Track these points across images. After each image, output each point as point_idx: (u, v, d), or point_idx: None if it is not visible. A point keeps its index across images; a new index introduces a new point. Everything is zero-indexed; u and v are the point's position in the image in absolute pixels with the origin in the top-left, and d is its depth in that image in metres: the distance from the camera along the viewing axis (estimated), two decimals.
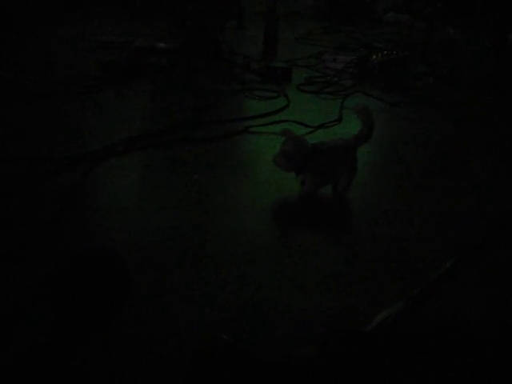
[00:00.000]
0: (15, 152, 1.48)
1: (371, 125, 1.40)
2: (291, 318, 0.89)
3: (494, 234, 1.21)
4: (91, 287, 0.86)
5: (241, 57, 2.66)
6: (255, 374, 0.72)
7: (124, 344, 0.81)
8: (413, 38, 3.54)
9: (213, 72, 2.47)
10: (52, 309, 0.84)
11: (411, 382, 0.77)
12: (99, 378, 0.76)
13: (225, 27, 3.41)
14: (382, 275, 1.04)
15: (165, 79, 2.36)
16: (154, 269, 1.00)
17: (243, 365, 0.72)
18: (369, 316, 0.89)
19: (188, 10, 2.95)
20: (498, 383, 0.80)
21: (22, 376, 0.76)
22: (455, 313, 0.94)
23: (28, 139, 1.60)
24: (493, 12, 3.47)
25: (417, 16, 4.17)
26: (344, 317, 0.91)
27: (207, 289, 0.95)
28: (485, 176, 1.57)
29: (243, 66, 2.50)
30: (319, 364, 0.75)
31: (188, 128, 1.76)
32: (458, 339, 0.86)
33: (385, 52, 2.70)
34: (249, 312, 0.90)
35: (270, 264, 1.05)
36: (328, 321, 0.89)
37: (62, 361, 0.79)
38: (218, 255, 1.06)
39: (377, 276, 1.03)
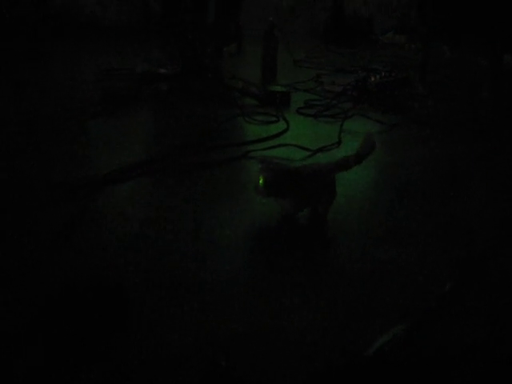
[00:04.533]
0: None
1: (361, 158, 1.41)
2: (288, 346, 0.90)
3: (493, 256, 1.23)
4: (88, 318, 0.87)
5: (240, 81, 2.70)
6: None
7: (124, 370, 0.82)
8: (410, 58, 3.58)
9: (212, 97, 2.50)
10: (47, 338, 0.86)
11: None
12: None
13: (224, 51, 3.46)
14: (378, 301, 1.04)
15: (165, 105, 2.40)
16: (148, 295, 1.01)
17: None
18: (368, 340, 0.89)
19: (187, 35, 2.99)
20: None
21: None
22: (456, 335, 0.95)
23: (28, 164, 1.62)
24: (488, 32, 3.51)
25: (414, 37, 4.23)
26: (343, 343, 0.92)
27: (203, 315, 0.96)
28: (485, 196, 1.58)
29: (242, 91, 2.53)
30: None
31: (188, 153, 1.78)
32: (460, 362, 0.87)
33: (383, 74, 2.74)
34: (247, 339, 0.91)
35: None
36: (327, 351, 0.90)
37: None
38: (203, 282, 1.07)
39: (372, 301, 1.04)
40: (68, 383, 0.80)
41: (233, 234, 1.28)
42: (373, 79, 2.65)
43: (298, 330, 0.94)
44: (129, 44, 3.79)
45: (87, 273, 1.08)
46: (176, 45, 3.11)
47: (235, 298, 1.02)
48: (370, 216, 1.42)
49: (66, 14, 4.37)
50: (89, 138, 1.95)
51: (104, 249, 1.18)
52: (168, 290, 1.04)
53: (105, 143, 1.89)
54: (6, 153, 1.73)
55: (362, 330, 0.95)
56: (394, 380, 0.83)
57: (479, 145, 2.04)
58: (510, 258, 1.23)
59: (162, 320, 0.95)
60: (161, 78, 2.74)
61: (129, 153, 1.78)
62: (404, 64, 3.33)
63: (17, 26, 4.00)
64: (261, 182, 1.30)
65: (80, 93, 2.50)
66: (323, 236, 1.33)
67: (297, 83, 2.77)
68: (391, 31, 4.50)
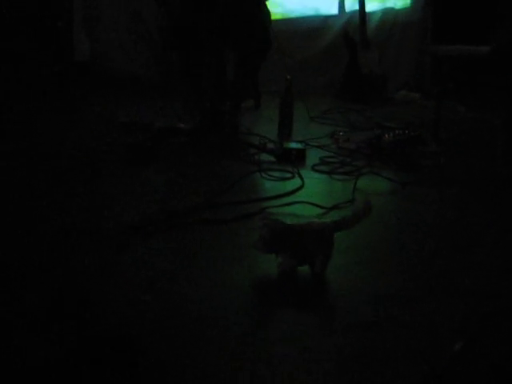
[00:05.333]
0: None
1: (357, 220, 1.46)
2: None
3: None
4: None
5: (257, 137, 2.78)
6: None
7: None
8: (424, 116, 3.64)
9: (230, 152, 2.57)
10: None
11: None
12: None
13: (242, 107, 3.56)
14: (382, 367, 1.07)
15: (182, 159, 2.47)
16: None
17: None
18: None
19: (206, 92, 3.10)
20: None
21: None
22: None
23: (48, 212, 1.68)
24: (501, 91, 3.58)
25: (428, 95, 4.31)
26: None
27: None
28: (497, 259, 1.60)
29: (259, 147, 2.60)
30: None
31: (204, 210, 1.83)
32: None
33: (396, 131, 2.80)
34: None
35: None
36: None
37: None
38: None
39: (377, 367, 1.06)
40: None
41: (232, 288, 1.32)
42: (386, 137, 2.71)
43: None
44: (149, 97, 3.91)
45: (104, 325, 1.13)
46: (195, 100, 3.21)
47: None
48: (377, 276, 1.45)
49: (92, 63, 4.52)
50: (106, 191, 2.02)
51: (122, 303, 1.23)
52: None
53: (121, 197, 1.96)
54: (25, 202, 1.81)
55: None
56: None
57: (493, 206, 2.06)
58: None
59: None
60: (179, 132, 2.83)
61: (144, 207, 1.84)
62: (417, 121, 3.39)
63: (42, 73, 4.13)
64: (259, 238, 1.37)
65: (99, 147, 2.58)
66: (319, 293, 1.36)
67: (312, 139, 2.84)
68: (405, 89, 4.60)
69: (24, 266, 1.42)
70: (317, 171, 2.36)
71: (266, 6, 3.61)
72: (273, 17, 3.63)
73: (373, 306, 1.28)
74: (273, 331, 1.16)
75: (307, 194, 2.04)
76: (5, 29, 3.93)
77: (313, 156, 2.55)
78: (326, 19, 4.84)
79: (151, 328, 1.14)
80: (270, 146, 2.65)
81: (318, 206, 1.89)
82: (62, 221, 1.69)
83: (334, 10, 4.87)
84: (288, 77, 3.04)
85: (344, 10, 4.86)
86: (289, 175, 2.25)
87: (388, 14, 4.87)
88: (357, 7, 4.52)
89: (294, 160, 2.42)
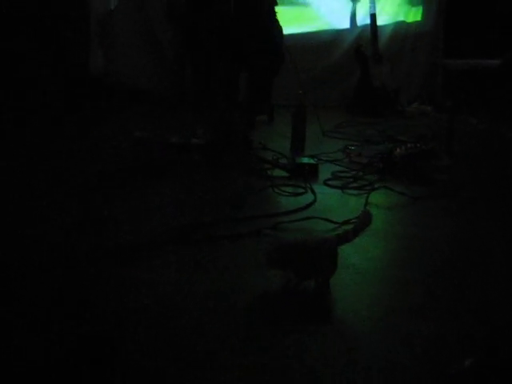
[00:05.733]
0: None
1: (358, 232, 1.49)
2: None
3: None
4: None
5: (270, 152, 2.81)
6: None
7: None
8: (436, 129, 3.66)
9: (243, 168, 2.61)
10: None
11: None
12: None
13: (255, 122, 3.60)
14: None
15: (196, 175, 2.50)
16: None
17: None
18: None
19: (219, 108, 3.14)
20: None
21: None
22: None
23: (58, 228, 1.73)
24: None
25: (440, 107, 4.33)
26: None
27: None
28: (506, 273, 1.62)
29: (272, 162, 2.64)
30: None
31: (217, 225, 1.86)
32: None
33: (408, 145, 2.81)
34: None
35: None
36: None
37: None
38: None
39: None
40: None
41: (236, 301, 1.35)
42: (398, 151, 2.72)
43: None
44: (163, 113, 3.96)
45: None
46: (208, 116, 3.26)
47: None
48: (389, 291, 1.47)
49: (106, 79, 4.58)
50: (118, 207, 2.05)
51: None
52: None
53: (135, 211, 2.00)
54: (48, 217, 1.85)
55: None
56: None
57: (505, 219, 2.07)
58: None
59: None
60: (193, 148, 2.86)
61: (157, 223, 1.87)
62: (430, 134, 3.40)
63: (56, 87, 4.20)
64: (264, 254, 1.41)
65: (114, 162, 2.63)
66: (323, 309, 1.38)
67: (325, 154, 2.86)
68: (417, 102, 4.62)
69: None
70: (329, 186, 2.38)
71: (277, 21, 3.66)
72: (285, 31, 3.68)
73: (381, 323, 1.30)
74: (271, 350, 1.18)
75: (320, 209, 2.06)
76: (22, 45, 4.02)
77: (325, 171, 2.57)
78: (338, 33, 4.87)
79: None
80: (283, 161, 2.68)
81: (329, 221, 1.91)
82: (64, 224, 1.73)
83: (346, 24, 4.90)
84: (300, 92, 3.08)
85: (355, 23, 4.89)
86: (301, 190, 2.28)
87: (399, 27, 4.90)
88: (368, 21, 4.55)
89: (306, 175, 2.45)
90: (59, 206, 1.99)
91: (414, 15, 4.97)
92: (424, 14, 4.93)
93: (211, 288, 1.42)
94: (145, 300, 1.34)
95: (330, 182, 2.42)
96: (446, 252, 1.74)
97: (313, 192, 2.22)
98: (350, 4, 4.83)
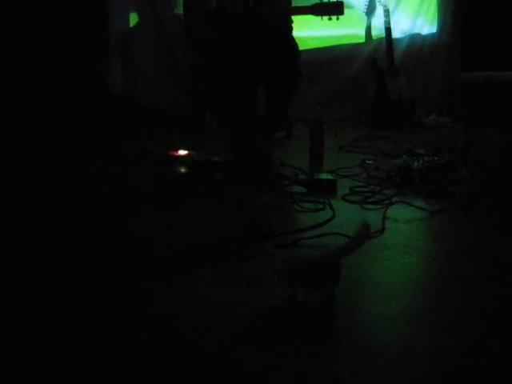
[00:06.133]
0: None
1: (358, 245, 1.55)
2: None
3: None
4: None
5: (289, 168, 2.86)
6: None
7: None
8: (454, 140, 3.67)
9: (263, 185, 2.65)
10: None
11: None
12: None
13: (274, 138, 3.65)
14: None
15: (218, 193, 2.55)
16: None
17: None
18: None
19: (239, 125, 3.20)
20: None
21: None
22: None
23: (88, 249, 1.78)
24: None
25: (457, 118, 4.34)
26: None
27: None
28: None
29: (291, 178, 2.68)
30: None
31: (238, 242, 1.90)
32: None
33: (426, 158, 2.85)
34: None
35: None
36: None
37: None
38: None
39: None
40: None
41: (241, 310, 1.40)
42: (416, 164, 2.76)
43: None
44: (184, 131, 4.02)
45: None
46: (228, 134, 3.32)
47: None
48: (404, 304, 1.50)
49: (126, 98, 4.67)
50: (141, 226, 2.10)
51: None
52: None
53: (158, 230, 2.04)
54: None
55: None
56: None
57: None
58: None
59: None
60: (214, 165, 2.92)
61: (181, 240, 1.92)
62: (447, 146, 3.42)
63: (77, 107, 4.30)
64: (274, 270, 1.47)
65: (136, 180, 2.69)
66: (328, 316, 1.42)
67: (343, 169, 2.90)
68: (434, 113, 4.64)
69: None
70: (347, 201, 2.42)
71: (293, 38, 3.72)
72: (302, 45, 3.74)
73: (400, 336, 1.33)
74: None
75: (338, 224, 2.10)
76: (45, 64, 4.14)
77: (343, 186, 2.61)
78: (354, 47, 4.92)
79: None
80: (302, 176, 2.73)
81: (348, 236, 1.94)
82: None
83: (361, 38, 4.95)
84: (317, 108, 3.12)
85: (371, 37, 4.94)
86: (320, 206, 2.32)
87: (415, 39, 4.93)
88: (383, 34, 4.60)
89: (325, 191, 2.49)
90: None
91: (430, 27, 5.01)
92: (439, 27, 4.97)
93: (218, 298, 1.46)
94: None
95: (348, 198, 2.46)
96: (464, 266, 1.76)
97: (331, 208, 2.26)
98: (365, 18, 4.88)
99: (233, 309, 1.43)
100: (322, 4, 3.23)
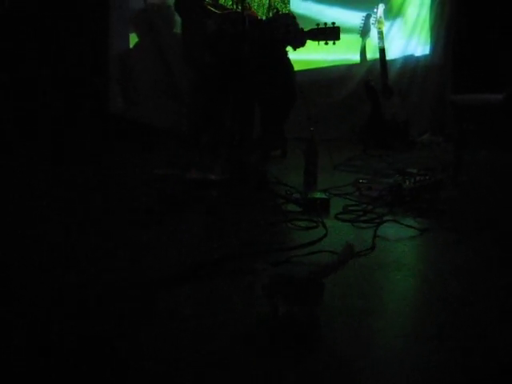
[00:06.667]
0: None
1: (342, 264, 1.64)
2: None
3: None
4: None
5: (284, 187, 2.92)
6: None
7: None
8: (446, 160, 3.75)
9: (257, 203, 2.72)
10: None
11: None
12: None
13: (269, 157, 3.73)
14: None
15: (213, 210, 2.61)
16: None
17: None
18: None
19: (234, 145, 3.28)
20: None
21: None
22: None
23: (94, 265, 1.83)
24: None
25: (450, 138, 4.43)
26: None
27: None
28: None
29: (285, 197, 2.75)
30: None
31: (230, 260, 1.95)
32: None
33: (417, 178, 2.92)
34: None
35: None
36: None
37: None
38: None
39: None
40: None
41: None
42: (407, 183, 2.83)
43: None
44: (180, 149, 4.10)
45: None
46: (223, 152, 3.39)
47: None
48: (391, 323, 1.56)
49: (125, 116, 4.75)
50: (139, 241, 2.16)
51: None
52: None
53: (154, 247, 2.10)
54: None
55: None
56: None
57: None
58: None
59: None
60: (210, 183, 2.99)
61: (175, 257, 1.97)
62: (439, 166, 3.50)
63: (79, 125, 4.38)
64: (261, 286, 1.53)
65: (134, 198, 2.76)
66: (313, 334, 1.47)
67: (336, 188, 2.97)
68: (428, 133, 4.73)
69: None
70: (340, 220, 2.49)
71: (288, 59, 3.81)
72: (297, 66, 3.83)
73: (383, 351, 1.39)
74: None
75: (331, 242, 2.16)
76: (46, 84, 4.23)
77: (336, 205, 2.68)
78: (349, 68, 5.02)
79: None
80: (296, 195, 2.79)
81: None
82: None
83: (356, 59, 5.06)
84: (311, 128, 3.20)
85: (365, 58, 5.04)
86: (313, 224, 2.38)
87: (408, 61, 5.05)
88: (377, 55, 4.70)
89: (318, 209, 2.56)
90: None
91: (423, 48, 5.12)
92: (432, 48, 5.07)
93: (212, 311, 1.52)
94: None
95: (340, 216, 2.53)
96: (452, 284, 1.82)
97: (324, 226, 2.32)
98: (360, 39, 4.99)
99: (222, 320, 1.47)
100: (318, 29, 3.33)
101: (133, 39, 4.84)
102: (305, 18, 4.45)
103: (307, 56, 4.57)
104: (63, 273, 1.74)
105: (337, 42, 3.34)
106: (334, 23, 3.33)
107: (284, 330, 1.47)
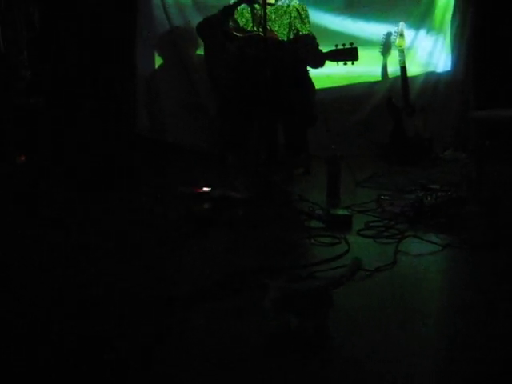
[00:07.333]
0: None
1: (348, 278, 1.70)
2: None
3: None
4: None
5: (307, 203, 2.99)
6: None
7: None
8: (469, 176, 3.77)
9: (282, 220, 2.80)
10: None
11: None
12: None
13: (293, 175, 3.81)
14: None
15: (240, 228, 2.69)
16: None
17: None
18: None
19: (258, 165, 3.36)
20: None
21: None
22: None
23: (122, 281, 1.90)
24: None
25: (473, 154, 4.45)
26: None
27: None
28: None
29: (309, 214, 2.82)
30: None
31: (255, 276, 2.01)
32: None
33: (439, 193, 2.96)
34: None
35: None
36: None
37: None
38: None
39: None
40: None
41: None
42: (429, 199, 2.87)
43: None
44: (206, 169, 4.19)
45: None
46: (249, 172, 3.48)
47: None
48: (410, 338, 1.61)
49: (151, 136, 4.87)
50: (165, 258, 2.23)
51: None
52: None
53: (185, 262, 2.18)
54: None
55: None
56: None
57: None
58: None
59: None
60: (235, 202, 3.07)
61: (200, 273, 2.05)
62: (462, 181, 3.53)
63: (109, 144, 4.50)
64: (268, 299, 1.57)
65: (163, 216, 2.85)
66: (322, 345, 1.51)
67: (359, 204, 3.03)
68: (451, 149, 4.75)
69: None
70: (362, 236, 2.55)
71: (309, 79, 3.90)
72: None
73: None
74: None
75: (353, 258, 2.22)
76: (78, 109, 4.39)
77: (359, 221, 2.73)
78: (370, 85, 5.07)
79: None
80: (319, 212, 2.86)
81: (362, 269, 2.07)
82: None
83: (378, 77, 5.12)
84: (333, 146, 3.27)
85: (387, 75, 5.10)
86: (336, 241, 2.45)
87: (430, 77, 5.08)
88: (399, 73, 4.76)
89: (341, 226, 2.62)
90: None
91: (444, 65, 5.16)
92: (453, 64, 5.11)
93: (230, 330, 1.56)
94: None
95: (363, 232, 2.59)
96: (471, 298, 1.86)
97: (347, 242, 2.39)
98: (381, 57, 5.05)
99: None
100: (337, 50, 3.41)
101: (158, 61, 4.96)
102: (336, 33, 4.66)
103: (329, 70, 4.64)
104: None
105: (360, 55, 3.41)
106: (352, 43, 3.42)
107: (296, 344, 1.53)
